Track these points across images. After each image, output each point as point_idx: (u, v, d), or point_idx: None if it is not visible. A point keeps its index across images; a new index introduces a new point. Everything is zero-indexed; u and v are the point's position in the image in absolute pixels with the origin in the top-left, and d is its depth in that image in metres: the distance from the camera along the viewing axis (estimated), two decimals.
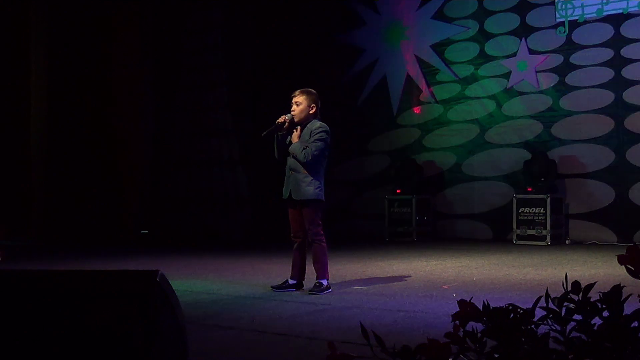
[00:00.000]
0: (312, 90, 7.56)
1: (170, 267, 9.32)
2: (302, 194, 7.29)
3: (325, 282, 7.30)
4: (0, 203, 14.12)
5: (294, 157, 7.32)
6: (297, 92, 7.49)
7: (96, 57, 14.86)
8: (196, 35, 15.32)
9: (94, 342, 2.56)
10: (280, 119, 7.37)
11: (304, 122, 7.42)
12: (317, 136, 7.30)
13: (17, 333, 2.63)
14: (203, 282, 8.21)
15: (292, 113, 7.40)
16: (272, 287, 7.54)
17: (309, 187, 7.28)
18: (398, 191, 13.81)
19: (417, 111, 14.41)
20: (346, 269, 9.16)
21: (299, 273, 7.50)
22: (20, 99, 14.59)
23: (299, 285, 7.48)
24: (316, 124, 7.39)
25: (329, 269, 7.43)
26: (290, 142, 7.42)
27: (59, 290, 2.71)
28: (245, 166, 14.83)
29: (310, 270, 7.47)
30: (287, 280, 7.53)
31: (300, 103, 7.41)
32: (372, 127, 14.85)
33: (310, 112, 7.42)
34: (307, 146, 7.26)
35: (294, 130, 7.45)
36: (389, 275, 8.66)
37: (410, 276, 8.50)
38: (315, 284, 7.28)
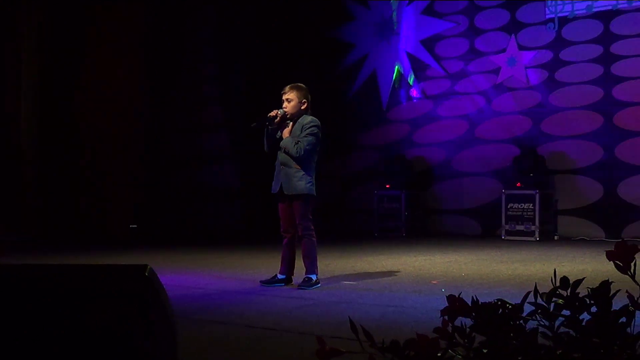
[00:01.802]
0: (302, 85, 7.54)
1: (159, 261, 9.31)
2: (293, 189, 7.29)
3: (314, 277, 7.31)
4: None
5: (286, 152, 7.31)
6: (287, 88, 7.48)
7: (89, 53, 14.80)
8: (188, 31, 15.28)
9: (84, 335, 2.55)
10: (272, 113, 7.36)
11: (295, 118, 7.42)
12: (308, 131, 7.30)
13: (11, 328, 2.62)
14: (192, 277, 8.20)
15: (284, 109, 7.40)
16: (261, 281, 7.54)
17: (300, 181, 7.27)
18: (387, 186, 13.82)
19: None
20: (335, 264, 9.16)
21: (288, 268, 7.50)
22: (12, 93, 14.51)
23: (287, 280, 7.48)
24: (307, 118, 7.39)
25: (318, 264, 7.43)
26: (281, 137, 7.42)
27: (49, 284, 2.70)
28: (235, 161, 14.81)
29: (299, 265, 7.48)
30: (276, 275, 7.53)
31: (291, 99, 7.40)
32: (361, 122, 14.87)
33: (302, 107, 7.41)
34: (299, 141, 7.26)
35: (286, 126, 7.44)
36: (378, 270, 8.67)
37: (399, 271, 8.51)
38: (304, 279, 7.29)
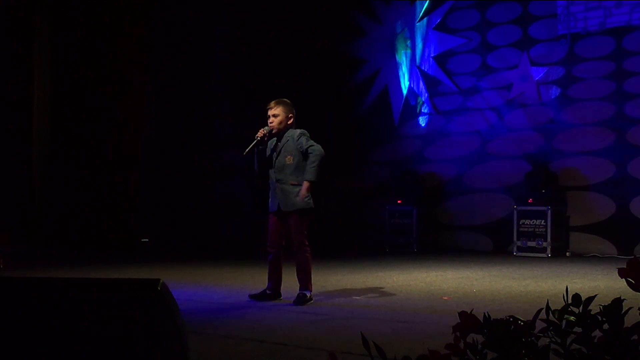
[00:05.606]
0: (287, 100, 7.50)
1: (170, 275, 9.31)
2: (292, 205, 7.22)
3: (308, 293, 7.20)
4: (1, 210, 14.12)
5: (316, 182, 7.22)
6: (273, 103, 7.42)
7: (99, 64, 14.89)
8: (199, 44, 15.35)
9: (96, 350, 2.56)
10: (259, 133, 7.32)
11: (281, 133, 7.38)
12: (312, 152, 7.18)
13: (19, 343, 2.63)
14: (203, 291, 8.21)
15: (271, 125, 7.35)
16: (250, 295, 7.48)
17: (298, 197, 7.21)
18: (399, 202, 13.81)
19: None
20: (346, 280, 9.15)
21: (275, 284, 7.42)
22: (23, 105, 14.60)
23: (276, 296, 7.40)
24: (296, 132, 7.33)
25: (312, 280, 7.35)
26: (271, 155, 7.38)
27: (61, 298, 2.71)
28: (246, 176, 14.82)
29: (288, 279, 7.43)
30: (265, 290, 7.46)
31: (278, 114, 7.34)
32: (373, 137, 14.87)
33: (289, 122, 7.38)
34: (311, 166, 7.17)
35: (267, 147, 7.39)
36: (389, 286, 8.65)
37: (410, 287, 8.49)
38: (298, 295, 7.19)
